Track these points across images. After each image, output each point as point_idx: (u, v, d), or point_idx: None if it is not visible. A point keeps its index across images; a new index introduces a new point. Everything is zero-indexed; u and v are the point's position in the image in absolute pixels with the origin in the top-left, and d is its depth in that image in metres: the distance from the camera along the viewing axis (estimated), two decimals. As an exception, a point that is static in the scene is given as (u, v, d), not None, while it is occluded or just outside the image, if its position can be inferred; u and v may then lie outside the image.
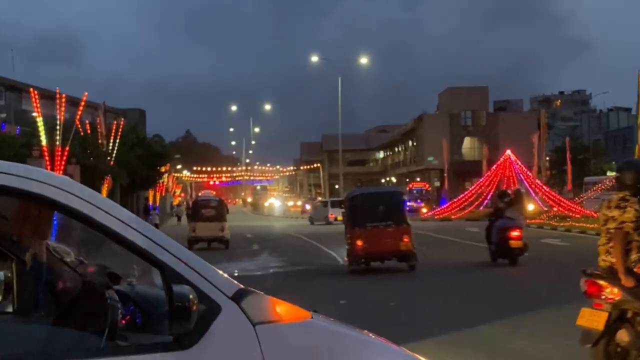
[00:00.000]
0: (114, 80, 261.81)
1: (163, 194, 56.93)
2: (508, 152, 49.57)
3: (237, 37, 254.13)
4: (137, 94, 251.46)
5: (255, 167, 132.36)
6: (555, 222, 36.15)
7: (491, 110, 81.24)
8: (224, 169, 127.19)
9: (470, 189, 52.95)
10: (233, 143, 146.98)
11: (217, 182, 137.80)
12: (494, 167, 49.48)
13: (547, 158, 61.96)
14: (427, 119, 76.30)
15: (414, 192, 66.51)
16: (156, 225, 33.54)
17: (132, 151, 32.16)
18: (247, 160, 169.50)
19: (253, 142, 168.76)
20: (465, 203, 49.61)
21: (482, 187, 50.74)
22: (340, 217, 36.16)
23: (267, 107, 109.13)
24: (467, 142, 77.63)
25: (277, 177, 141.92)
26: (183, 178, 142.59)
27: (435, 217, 47.92)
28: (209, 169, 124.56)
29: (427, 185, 72.72)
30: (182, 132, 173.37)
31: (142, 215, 33.26)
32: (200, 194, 42.20)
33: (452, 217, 47.06)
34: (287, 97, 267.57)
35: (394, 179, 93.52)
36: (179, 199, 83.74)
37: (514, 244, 17.90)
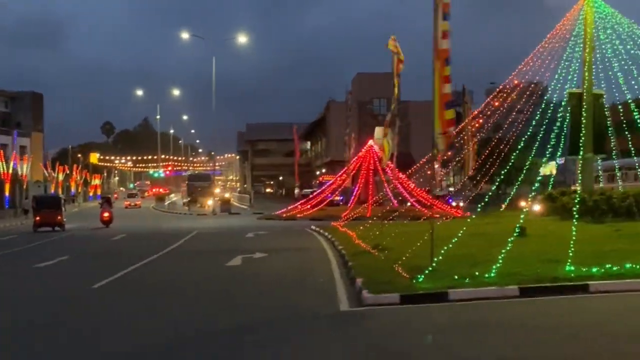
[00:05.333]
0: (97, 66, 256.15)
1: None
2: (370, 142, 45.45)
3: (224, 27, 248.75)
4: (119, 80, 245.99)
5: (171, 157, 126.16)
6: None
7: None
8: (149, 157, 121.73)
9: (328, 183, 49.26)
10: (192, 131, 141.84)
11: (166, 172, 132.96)
12: (354, 160, 45.67)
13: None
14: (334, 107, 71.74)
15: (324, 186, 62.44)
16: None
17: None
18: (200, 150, 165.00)
19: (193, 131, 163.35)
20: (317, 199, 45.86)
21: (341, 182, 47.02)
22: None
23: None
24: (379, 132, 73.10)
25: (218, 166, 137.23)
26: (119, 168, 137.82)
27: (284, 216, 43.82)
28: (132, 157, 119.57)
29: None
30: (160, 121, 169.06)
31: None
32: None
33: (298, 215, 43.05)
34: (270, 85, 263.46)
35: (324, 170, 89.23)
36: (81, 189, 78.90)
37: (105, 219, 39.75)
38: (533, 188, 17.49)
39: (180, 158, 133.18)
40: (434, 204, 41.07)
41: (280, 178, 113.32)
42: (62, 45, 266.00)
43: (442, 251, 13.14)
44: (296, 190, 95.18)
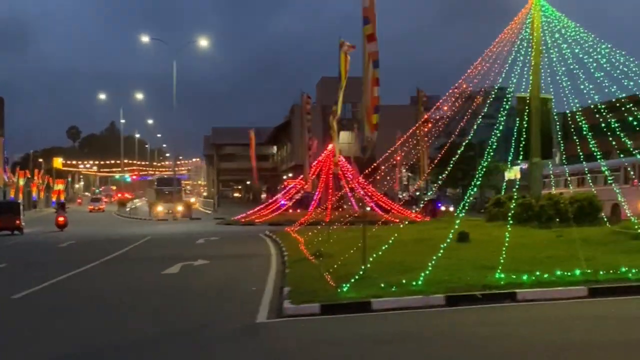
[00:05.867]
0: (64, 69, 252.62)
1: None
2: (330, 146, 44.95)
3: (193, 31, 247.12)
4: (87, 84, 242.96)
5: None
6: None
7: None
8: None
9: (287, 189, 48.97)
10: (159, 135, 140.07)
11: (133, 177, 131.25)
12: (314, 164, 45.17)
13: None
14: (299, 111, 71.18)
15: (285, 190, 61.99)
16: None
17: None
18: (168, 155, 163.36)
19: (159, 135, 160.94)
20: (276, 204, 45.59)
21: (300, 187, 46.69)
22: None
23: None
24: (345, 136, 72.80)
25: (185, 171, 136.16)
26: (84, 173, 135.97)
27: (242, 221, 43.42)
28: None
29: (304, 183, 67.66)
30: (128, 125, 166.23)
31: None
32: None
33: (257, 220, 42.71)
34: (240, 88, 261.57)
35: (290, 175, 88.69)
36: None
37: (60, 223, 40.86)
38: (472, 192, 17.24)
39: (145, 162, 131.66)
40: (393, 209, 41.01)
41: (248, 182, 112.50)
42: (27, 48, 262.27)
43: (372, 258, 12.82)
44: (263, 195, 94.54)
